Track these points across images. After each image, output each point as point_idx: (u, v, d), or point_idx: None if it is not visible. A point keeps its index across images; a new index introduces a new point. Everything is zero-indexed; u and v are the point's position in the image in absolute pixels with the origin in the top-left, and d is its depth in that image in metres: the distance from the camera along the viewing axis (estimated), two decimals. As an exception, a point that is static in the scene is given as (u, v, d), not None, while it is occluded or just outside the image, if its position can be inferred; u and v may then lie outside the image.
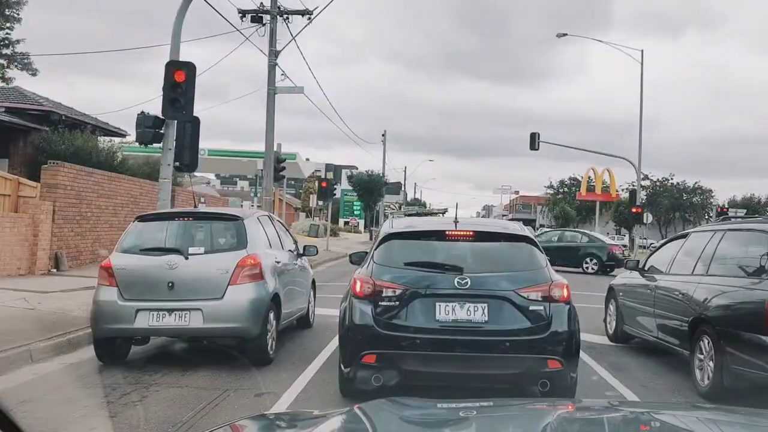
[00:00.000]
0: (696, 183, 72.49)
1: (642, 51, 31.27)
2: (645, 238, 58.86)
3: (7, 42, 27.29)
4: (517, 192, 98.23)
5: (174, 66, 9.44)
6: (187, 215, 6.81)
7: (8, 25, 27.02)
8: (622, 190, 66.68)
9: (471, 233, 5.36)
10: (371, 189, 52.01)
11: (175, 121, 9.70)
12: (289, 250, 7.72)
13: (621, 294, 8.53)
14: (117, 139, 22.84)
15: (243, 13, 18.45)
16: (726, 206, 54.91)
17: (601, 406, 2.27)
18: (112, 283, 6.04)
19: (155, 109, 9.71)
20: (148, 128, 9.61)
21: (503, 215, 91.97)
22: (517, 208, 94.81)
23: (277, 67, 18.98)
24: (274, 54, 18.90)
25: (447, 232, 5.37)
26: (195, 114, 9.62)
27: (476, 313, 4.94)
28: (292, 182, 72.81)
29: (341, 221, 67.00)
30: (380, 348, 4.88)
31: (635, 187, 34.44)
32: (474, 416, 1.89)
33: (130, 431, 4.49)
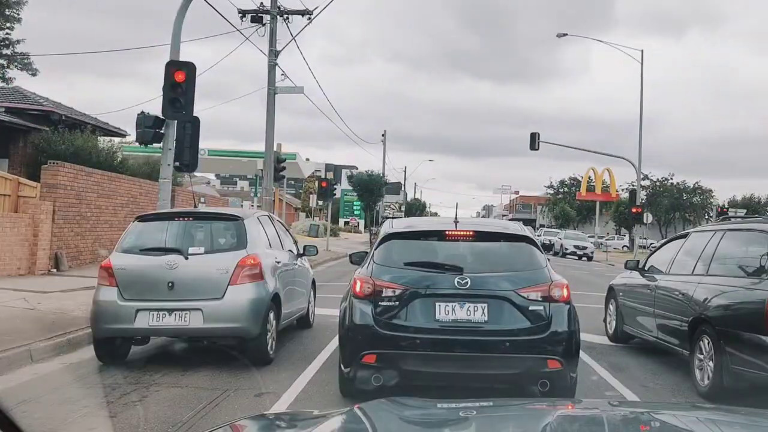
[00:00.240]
0: (696, 183, 72.71)
1: (642, 51, 31.31)
2: (645, 238, 59.02)
3: (7, 42, 27.30)
4: (517, 192, 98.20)
5: (174, 66, 9.43)
6: (187, 215, 6.81)
7: (8, 25, 27.03)
8: (622, 190, 66.77)
9: (471, 233, 5.36)
10: (371, 189, 52.04)
11: (175, 121, 9.68)
12: (289, 250, 7.72)
13: (621, 294, 8.52)
14: (117, 139, 22.86)
15: (243, 13, 18.43)
16: (726, 206, 54.99)
17: (600, 406, 2.26)
18: (112, 283, 6.04)
19: (156, 109, 9.72)
20: (148, 128, 9.61)
21: (503, 215, 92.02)
22: (516, 208, 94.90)
23: (277, 67, 18.96)
24: (274, 54, 18.84)
25: (447, 232, 5.37)
26: (196, 114, 9.64)
27: (476, 313, 4.94)
28: (292, 182, 72.80)
29: (341, 221, 66.99)
30: (380, 348, 4.88)
31: (635, 187, 34.52)
32: (474, 416, 1.89)
33: (130, 431, 4.48)
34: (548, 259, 5.52)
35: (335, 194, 41.01)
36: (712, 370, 5.79)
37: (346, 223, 67.53)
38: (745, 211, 47.82)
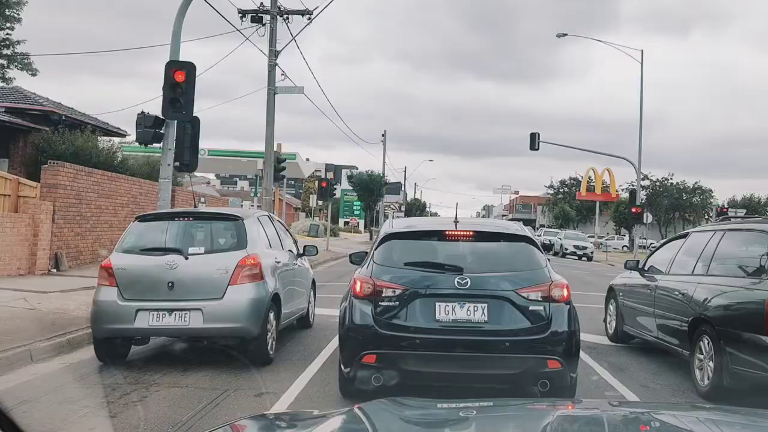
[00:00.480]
0: (696, 183, 72.78)
1: (642, 51, 31.25)
2: (645, 238, 59.09)
3: (7, 42, 27.29)
4: (516, 192, 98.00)
5: (174, 66, 9.43)
6: (187, 215, 6.81)
7: (8, 25, 27.02)
8: (622, 189, 66.80)
9: (471, 233, 5.35)
10: (371, 189, 51.99)
11: (175, 121, 9.67)
12: (289, 250, 7.72)
13: (621, 294, 8.52)
14: (117, 139, 22.84)
15: (243, 13, 18.43)
16: (726, 206, 55.12)
17: (600, 406, 2.27)
18: (112, 283, 6.04)
19: (156, 109, 9.72)
20: (148, 128, 9.61)
21: (503, 215, 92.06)
22: (516, 208, 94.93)
23: (277, 67, 18.95)
24: (274, 54, 18.83)
25: (447, 232, 5.36)
26: (196, 114, 9.62)
27: (476, 313, 4.93)
28: (292, 182, 72.79)
29: (341, 221, 67.05)
30: (380, 348, 4.88)
31: (635, 187, 34.50)
32: (474, 416, 1.90)
33: (130, 431, 4.48)
34: (548, 259, 5.52)
35: (335, 194, 41.01)
36: (712, 371, 5.79)
37: (346, 223, 67.57)
38: (745, 211, 47.89)
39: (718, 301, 5.97)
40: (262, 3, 18.76)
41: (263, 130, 19.15)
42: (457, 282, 4.96)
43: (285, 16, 18.95)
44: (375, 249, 5.32)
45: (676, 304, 6.76)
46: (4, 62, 27.77)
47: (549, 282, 5.06)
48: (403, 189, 71.00)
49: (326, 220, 55.54)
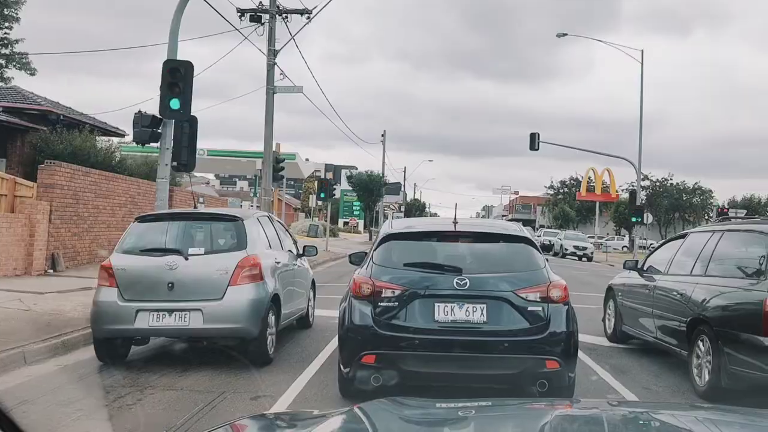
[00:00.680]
0: (696, 183, 72.91)
1: (642, 51, 31.25)
2: (645, 239, 59.07)
3: (5, 41, 27.25)
4: (516, 192, 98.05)
5: (171, 65, 9.41)
6: (187, 216, 6.82)
7: (7, 24, 26.98)
8: (622, 190, 66.83)
9: (470, 234, 5.37)
10: (371, 189, 52.06)
11: (173, 121, 9.63)
12: (289, 251, 7.71)
13: (620, 294, 8.54)
14: (116, 139, 22.83)
15: (242, 12, 18.41)
16: (726, 207, 55.24)
17: (600, 405, 2.28)
18: (112, 284, 6.03)
19: (155, 108, 9.69)
20: (146, 127, 9.58)
21: (503, 216, 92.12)
22: (516, 208, 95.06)
23: (276, 66, 18.93)
24: (272, 53, 18.81)
25: (446, 233, 5.37)
26: (195, 113, 9.60)
27: (475, 313, 4.94)
28: (292, 182, 72.81)
29: (341, 221, 67.04)
30: (379, 348, 4.89)
31: (635, 188, 34.57)
32: (473, 416, 1.90)
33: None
34: (547, 260, 5.51)
35: (335, 194, 40.95)
36: (710, 371, 5.81)
37: (346, 223, 67.56)
38: (745, 211, 47.93)
39: (716, 301, 5.97)
40: (260, 2, 18.75)
41: (263, 129, 19.14)
42: (456, 283, 4.96)
43: (284, 15, 18.92)
44: (374, 249, 5.32)
45: (674, 304, 6.77)
46: (3, 62, 27.74)
47: (548, 283, 5.07)
48: (402, 189, 70.92)
49: (326, 221, 55.08)
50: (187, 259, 6.09)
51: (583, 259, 36.92)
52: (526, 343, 4.93)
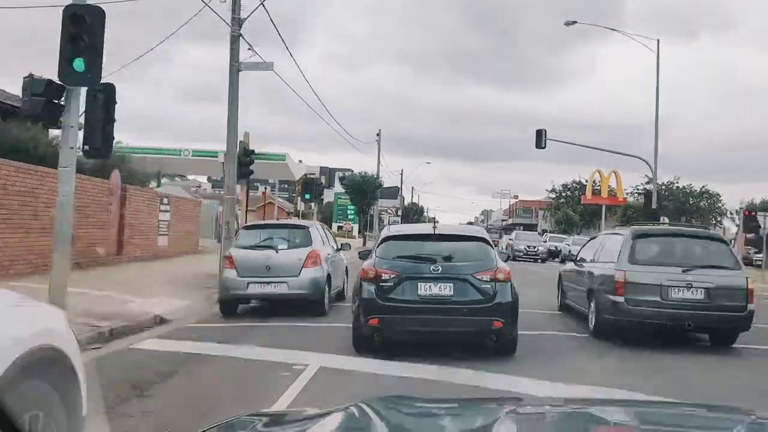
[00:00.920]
0: (703, 187, 76.41)
1: (657, 41, 29.91)
2: None
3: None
4: (516, 196, 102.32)
5: (74, 11, 7.92)
6: (275, 225, 12.14)
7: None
8: (628, 194, 68.24)
9: (443, 236, 8.63)
10: (364, 191, 53.30)
11: (83, 90, 8.24)
12: (332, 246, 12.93)
13: (563, 278, 13.82)
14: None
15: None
16: (746, 209, 57.11)
17: (597, 405, 2.60)
18: (232, 266, 11.16)
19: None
20: (38, 96, 8.10)
21: (502, 220, 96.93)
22: (517, 212, 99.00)
23: (242, 38, 17.02)
24: (237, 23, 16.77)
25: (427, 235, 8.74)
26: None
27: (445, 289, 7.92)
28: (286, 185, 76.37)
29: (335, 225, 70.78)
30: (380, 314, 7.87)
31: (649, 189, 35.59)
32: (473, 416, 2.23)
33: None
34: (496, 252, 9.63)
35: (323, 196, 40.88)
36: (594, 319, 10.98)
37: (340, 227, 71.73)
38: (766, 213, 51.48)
39: (597, 277, 11.18)
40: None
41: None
42: (432, 269, 7.98)
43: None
44: (377, 247, 8.57)
45: (583, 281, 12.01)
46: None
47: (495, 268, 8.18)
48: (400, 193, 74.01)
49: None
50: (277, 252, 11.23)
51: None
52: (480, 309, 7.88)
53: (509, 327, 8.12)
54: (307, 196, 25.47)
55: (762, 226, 33.08)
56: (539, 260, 39.69)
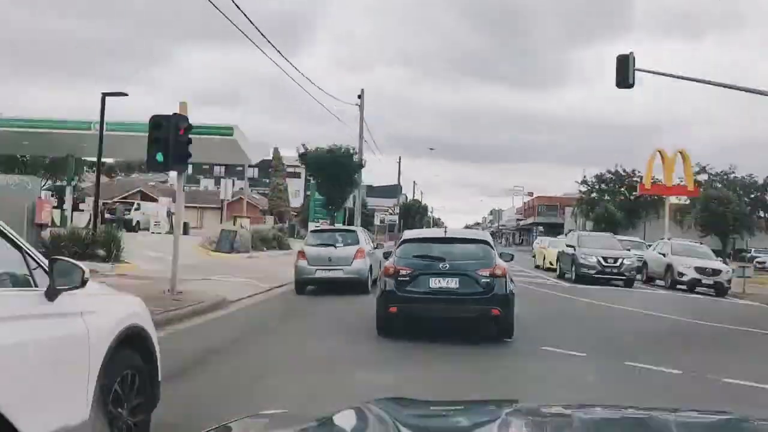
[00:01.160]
0: None
1: None
2: (748, 251, 63.98)
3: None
4: (531, 194, 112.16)
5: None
6: (333, 229, 24.45)
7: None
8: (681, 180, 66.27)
9: (452, 239, 14.61)
10: (336, 175, 47.57)
11: None
12: (372, 246, 24.67)
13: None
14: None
15: None
16: None
17: (600, 408, 3.28)
18: (303, 258, 22.76)
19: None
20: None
21: (518, 220, 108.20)
22: (539, 210, 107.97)
23: None
24: None
25: (438, 238, 14.86)
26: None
27: (452, 283, 13.19)
28: (266, 180, 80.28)
29: (311, 225, 68.89)
30: (399, 303, 13.24)
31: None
32: (471, 416, 2.97)
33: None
34: (496, 253, 14.02)
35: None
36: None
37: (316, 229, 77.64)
38: None
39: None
40: None
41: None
42: (441, 266, 13.28)
43: None
44: (396, 248, 14.53)
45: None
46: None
47: (494, 266, 13.44)
48: (400, 190, 77.36)
49: (280, 224, 63.72)
50: (336, 248, 22.88)
51: (711, 292, 31.13)
52: (480, 300, 13.11)
53: (505, 314, 13.36)
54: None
55: None
56: (627, 281, 30.60)
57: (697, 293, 30.43)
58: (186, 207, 43.24)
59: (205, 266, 26.92)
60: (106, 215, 47.08)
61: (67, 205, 44.05)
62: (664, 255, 33.29)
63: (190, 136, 17.77)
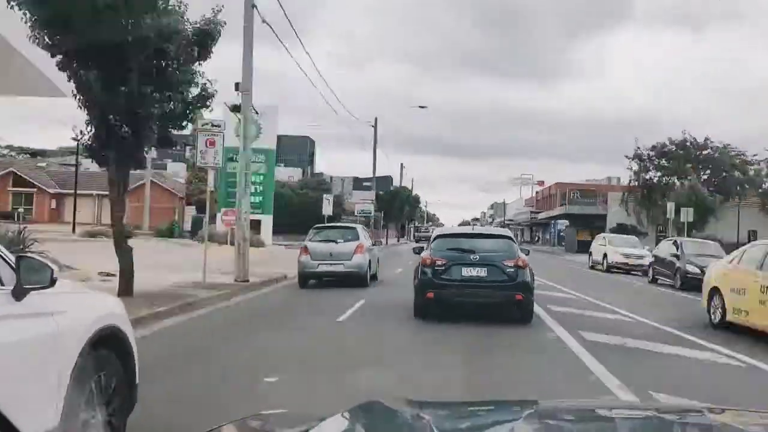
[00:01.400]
0: None
1: None
2: None
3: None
4: (541, 182, 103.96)
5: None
6: (334, 226, 26.36)
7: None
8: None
9: (480, 234, 18.12)
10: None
11: None
12: (370, 242, 26.39)
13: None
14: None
15: None
16: None
17: (602, 407, 3.38)
18: (306, 253, 24.68)
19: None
20: None
21: (532, 212, 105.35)
22: (573, 197, 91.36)
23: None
24: None
25: (468, 233, 18.31)
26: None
27: (481, 272, 15.84)
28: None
29: (219, 217, 41.23)
30: (435, 289, 15.87)
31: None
32: (470, 416, 3.00)
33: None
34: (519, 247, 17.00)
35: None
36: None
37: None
38: None
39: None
40: None
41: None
42: (472, 257, 15.94)
43: None
44: (431, 243, 16.94)
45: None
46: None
47: (517, 257, 16.05)
48: (373, 162, 67.08)
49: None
50: (337, 243, 24.75)
51: None
52: (506, 287, 15.69)
53: (527, 299, 15.85)
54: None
55: None
56: None
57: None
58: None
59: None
60: None
61: None
62: None
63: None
